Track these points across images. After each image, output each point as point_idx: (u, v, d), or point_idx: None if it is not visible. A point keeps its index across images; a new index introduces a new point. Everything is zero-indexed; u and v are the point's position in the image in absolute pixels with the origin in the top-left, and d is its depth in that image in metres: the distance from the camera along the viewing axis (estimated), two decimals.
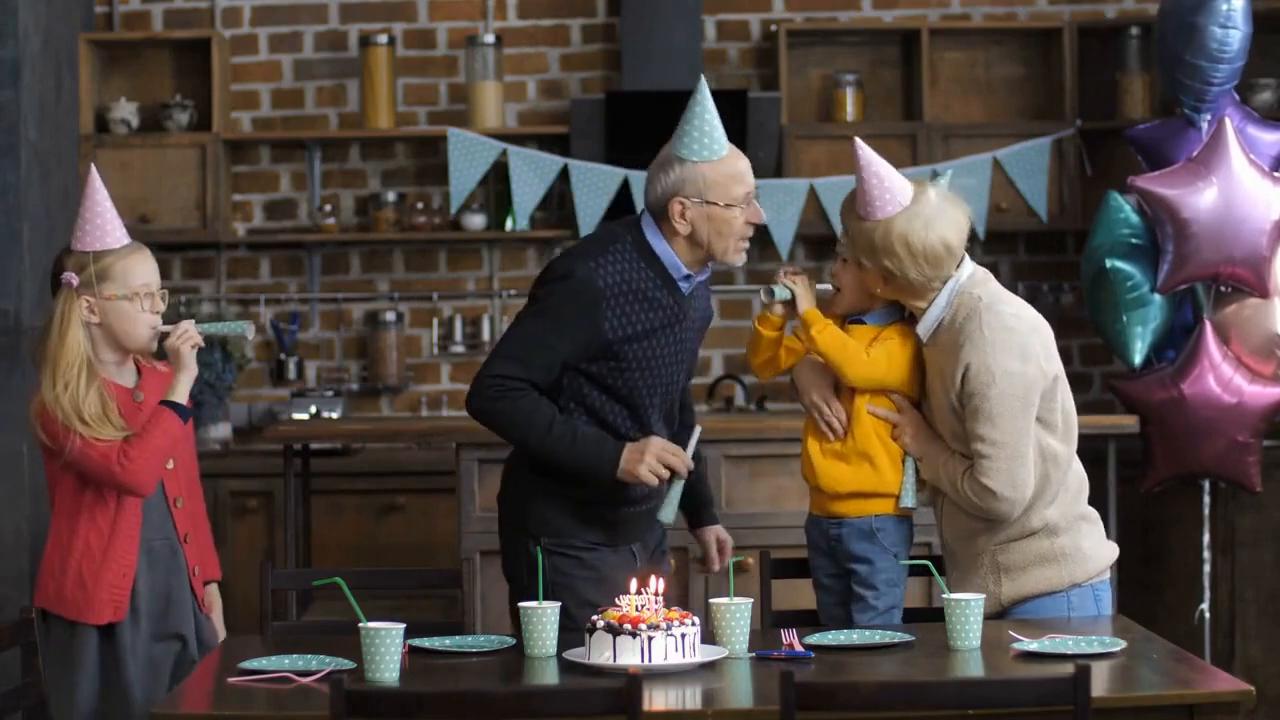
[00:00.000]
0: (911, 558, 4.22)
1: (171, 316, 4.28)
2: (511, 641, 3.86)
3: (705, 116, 4.17)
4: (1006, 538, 4.12)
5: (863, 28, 7.56)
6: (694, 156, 4.16)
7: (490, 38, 7.41)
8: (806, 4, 7.62)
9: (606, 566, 4.28)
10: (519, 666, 3.70)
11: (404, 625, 3.58)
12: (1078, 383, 7.36)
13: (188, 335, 4.18)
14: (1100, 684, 3.43)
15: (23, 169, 6.41)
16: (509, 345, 4.22)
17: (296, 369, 7.53)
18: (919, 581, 4.69)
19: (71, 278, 4.17)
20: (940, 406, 4.13)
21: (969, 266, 4.15)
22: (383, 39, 7.41)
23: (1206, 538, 6.65)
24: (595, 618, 3.62)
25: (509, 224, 7.42)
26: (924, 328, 4.15)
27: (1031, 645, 3.73)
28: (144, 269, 4.21)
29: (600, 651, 3.59)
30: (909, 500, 4.21)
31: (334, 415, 7.22)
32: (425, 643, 3.84)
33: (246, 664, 3.67)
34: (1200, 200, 6.24)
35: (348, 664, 3.65)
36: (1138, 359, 6.46)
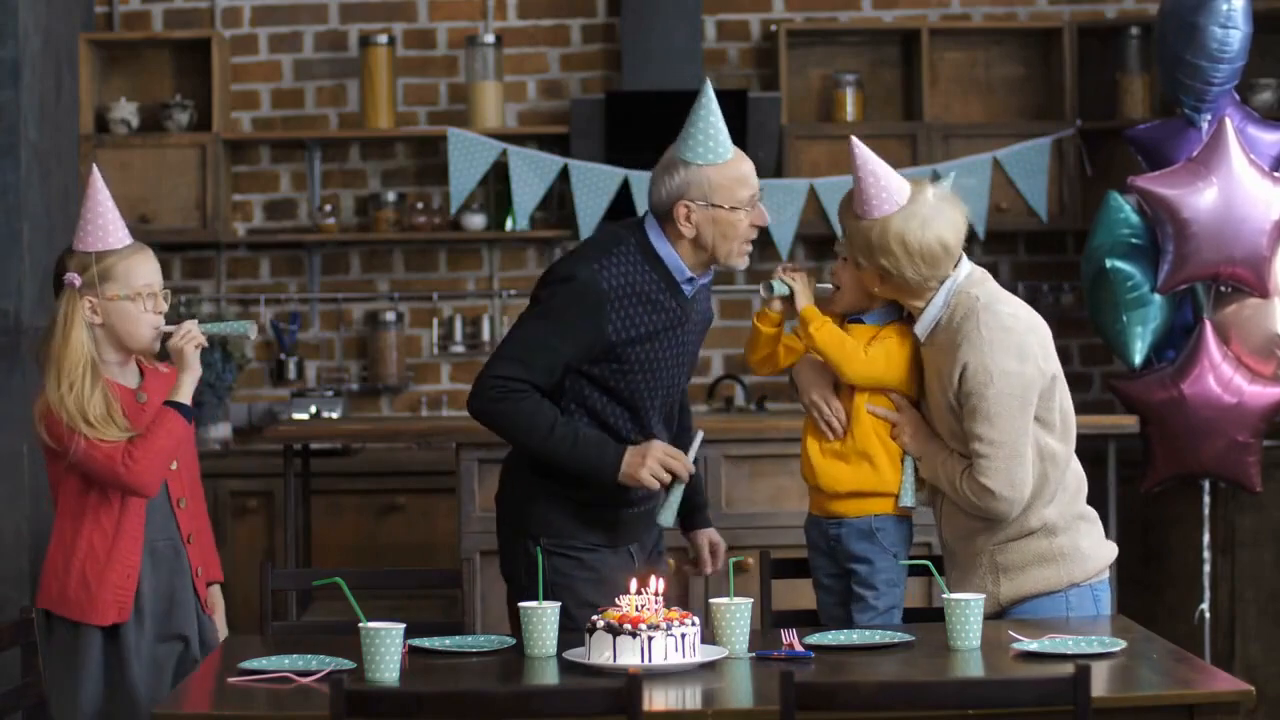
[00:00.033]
0: (912, 557, 4.22)
1: (171, 317, 4.28)
2: (511, 641, 3.86)
3: (710, 120, 4.17)
4: (1005, 537, 4.12)
5: (863, 28, 7.56)
6: (699, 160, 4.16)
7: (490, 38, 7.41)
8: (806, 4, 7.62)
9: (606, 567, 4.28)
10: (519, 666, 3.70)
11: (404, 625, 3.58)
12: (1078, 383, 7.37)
13: (191, 335, 4.18)
14: (1100, 684, 3.43)
15: (23, 169, 6.41)
16: (511, 347, 4.21)
17: (296, 369, 7.53)
18: (919, 581, 4.69)
19: (74, 278, 4.17)
20: (938, 406, 4.14)
21: (966, 266, 4.15)
22: (383, 39, 7.41)
23: (1206, 538, 6.65)
24: (595, 618, 3.62)
25: (509, 224, 7.42)
26: (921, 327, 4.16)
27: (1031, 645, 3.73)
28: (146, 269, 4.22)
29: (600, 651, 3.59)
30: (908, 500, 4.21)
31: (334, 415, 7.22)
32: (425, 643, 3.84)
33: (246, 664, 3.67)
34: (1200, 200, 6.24)
35: (348, 664, 3.65)
36: (1138, 359, 6.46)
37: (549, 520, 4.27)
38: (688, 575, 4.69)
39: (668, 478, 4.22)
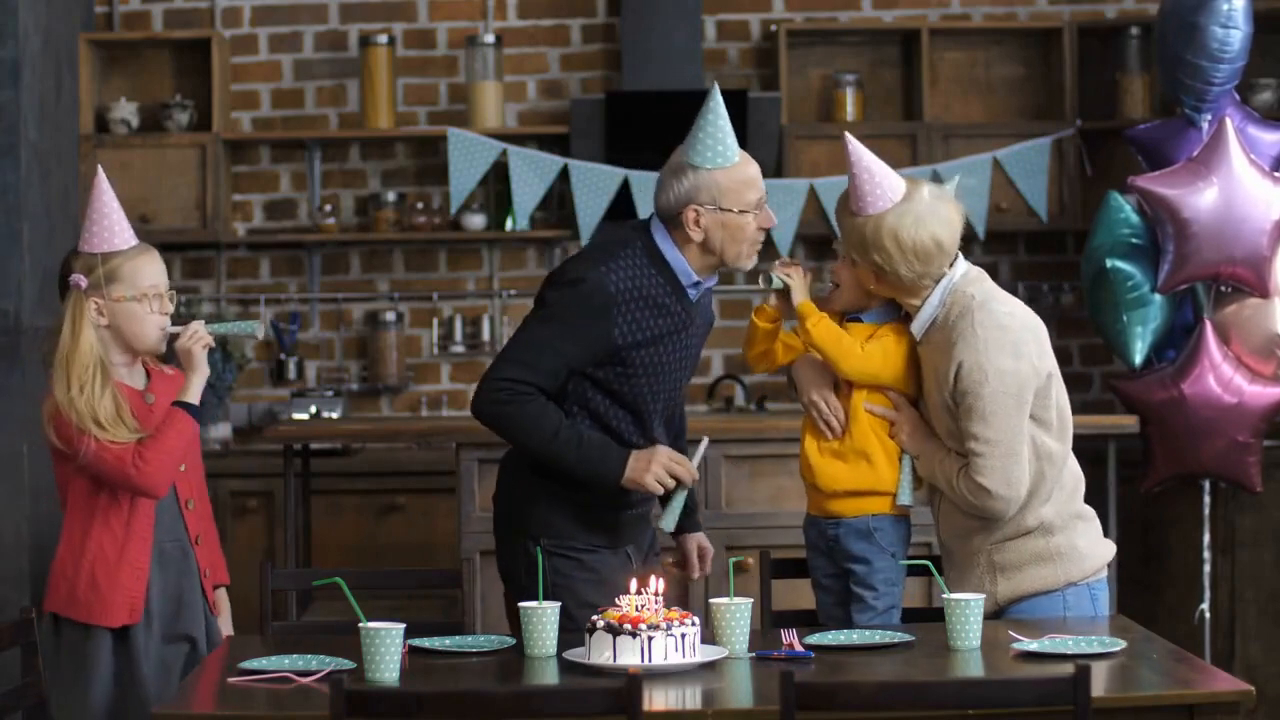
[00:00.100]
0: (912, 557, 4.22)
1: (173, 317, 4.27)
2: (511, 641, 3.86)
3: (719, 123, 4.17)
4: (1002, 536, 4.12)
5: (863, 28, 7.56)
6: (707, 164, 4.16)
7: (490, 38, 7.41)
8: (806, 4, 7.62)
9: (606, 568, 4.28)
10: (519, 666, 3.70)
11: (404, 625, 3.58)
12: (1078, 383, 7.36)
13: (198, 336, 4.18)
14: (1100, 684, 3.43)
15: (23, 169, 6.41)
16: (517, 349, 4.21)
17: (296, 369, 7.53)
18: (919, 581, 4.69)
19: (80, 280, 4.16)
20: (935, 405, 4.14)
21: (963, 265, 4.15)
22: (383, 39, 7.41)
23: (1206, 538, 6.65)
24: (595, 618, 3.62)
25: (509, 224, 7.42)
26: (918, 326, 4.16)
27: (1031, 645, 3.73)
28: (152, 270, 4.21)
29: (600, 651, 3.59)
30: (905, 498, 4.21)
31: (334, 415, 7.22)
32: (425, 643, 3.84)
33: (247, 664, 3.67)
34: (1200, 200, 6.24)
35: (348, 664, 3.65)
36: (1138, 359, 6.46)
37: (549, 521, 4.27)
38: (673, 578, 4.69)
39: (672, 483, 4.22)
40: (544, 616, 3.76)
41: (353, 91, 7.60)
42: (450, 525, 6.31)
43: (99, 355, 4.13)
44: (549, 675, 3.64)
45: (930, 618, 4.22)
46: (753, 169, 4.21)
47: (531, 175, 7.09)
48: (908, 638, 3.87)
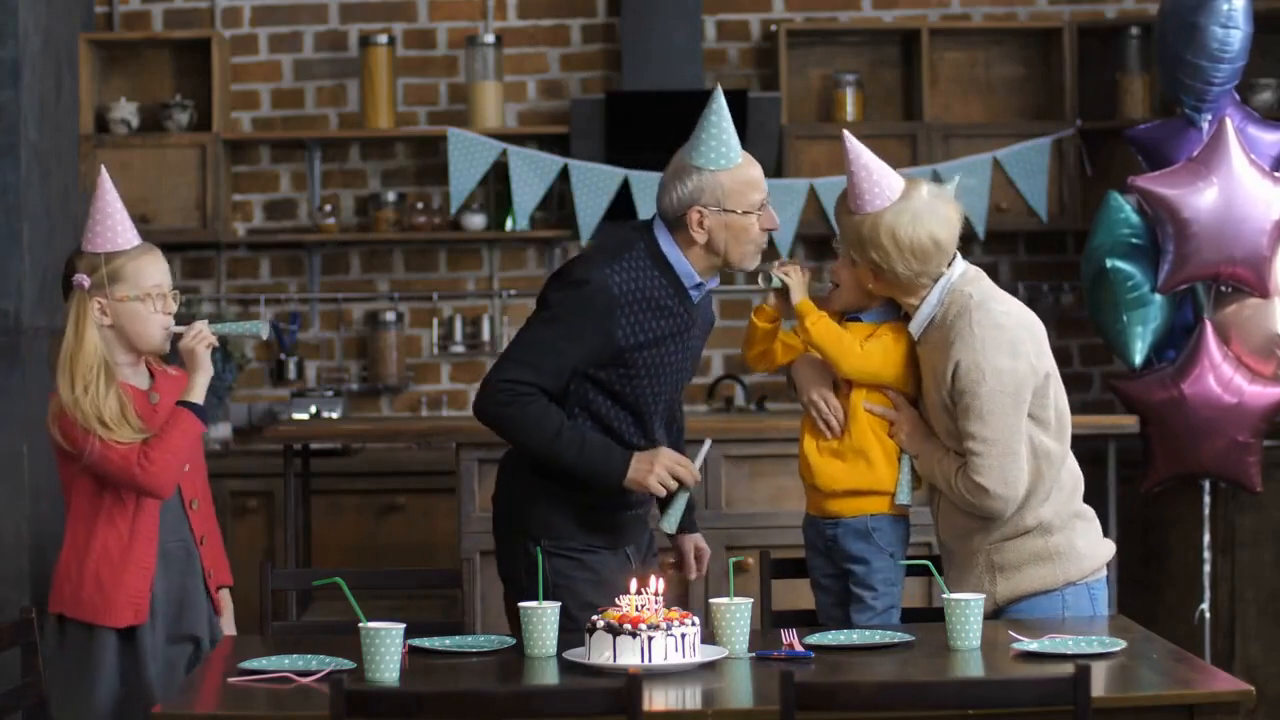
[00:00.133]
0: (912, 557, 4.22)
1: (174, 317, 4.27)
2: (511, 641, 3.86)
3: (722, 125, 4.17)
4: (1001, 536, 4.12)
5: (863, 28, 7.56)
6: (711, 165, 4.16)
7: (490, 38, 7.41)
8: (806, 4, 7.62)
9: (606, 569, 4.28)
10: (519, 666, 3.70)
11: (404, 625, 3.58)
12: (1078, 383, 7.36)
13: (202, 335, 4.17)
14: (1100, 684, 3.43)
15: (23, 169, 6.41)
16: (519, 350, 4.21)
17: (296, 369, 7.53)
18: (919, 581, 4.69)
19: (83, 280, 4.16)
20: (933, 404, 4.14)
21: (961, 264, 4.15)
22: (383, 39, 7.41)
23: (1206, 538, 6.65)
24: (595, 618, 3.62)
25: (509, 224, 7.42)
26: (916, 325, 4.16)
27: (1031, 645, 3.72)
28: (156, 270, 4.21)
29: (600, 651, 3.59)
30: (904, 497, 4.21)
31: (334, 415, 7.22)
32: (425, 643, 3.84)
33: (247, 664, 3.67)
34: (1201, 200, 6.24)
35: (348, 664, 3.65)
36: (1138, 359, 6.46)
37: (549, 522, 4.27)
38: (670, 579, 4.69)
39: (674, 484, 4.23)
40: (544, 616, 3.76)
41: (353, 91, 7.60)
42: (450, 525, 6.31)
43: (103, 355, 4.13)
44: (549, 675, 3.64)
45: (930, 618, 4.22)
46: (756, 170, 4.22)
47: (531, 175, 7.09)
48: (907, 638, 3.87)
